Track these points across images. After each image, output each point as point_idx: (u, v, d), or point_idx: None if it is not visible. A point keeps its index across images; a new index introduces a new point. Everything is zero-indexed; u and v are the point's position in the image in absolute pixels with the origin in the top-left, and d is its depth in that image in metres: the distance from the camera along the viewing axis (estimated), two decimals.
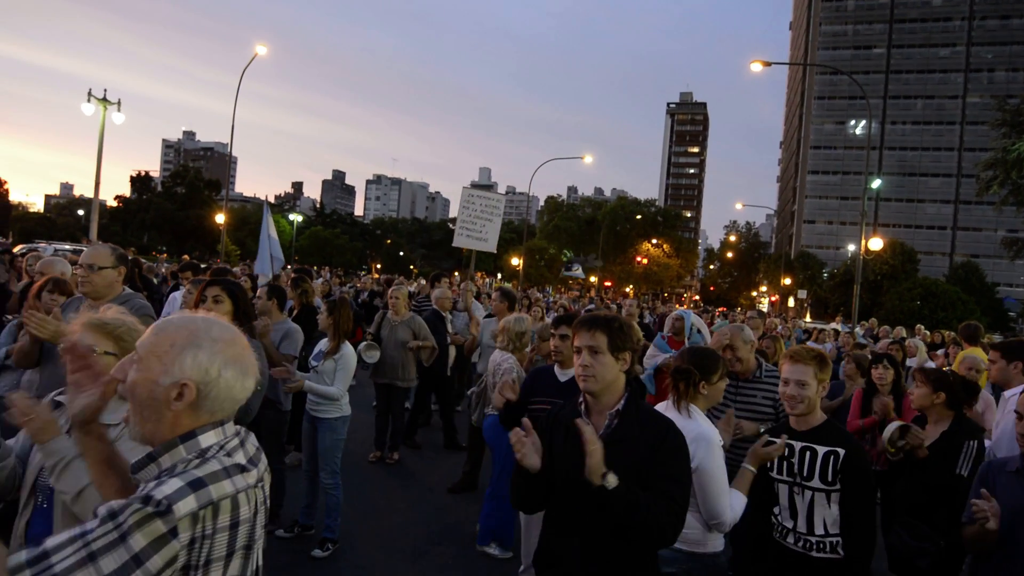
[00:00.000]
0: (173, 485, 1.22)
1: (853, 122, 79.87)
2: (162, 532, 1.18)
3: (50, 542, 1.15)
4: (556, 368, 3.71)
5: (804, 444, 2.75)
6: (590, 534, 2.09)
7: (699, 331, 6.00)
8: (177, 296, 7.25)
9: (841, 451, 2.65)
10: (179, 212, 61.11)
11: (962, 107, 76.10)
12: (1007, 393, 3.81)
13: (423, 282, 8.86)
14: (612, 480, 1.95)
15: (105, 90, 20.57)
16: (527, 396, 3.64)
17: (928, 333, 15.73)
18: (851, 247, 52.90)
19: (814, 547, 2.69)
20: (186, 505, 1.21)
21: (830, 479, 2.65)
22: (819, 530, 2.69)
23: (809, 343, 11.75)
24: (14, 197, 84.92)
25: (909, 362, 7.78)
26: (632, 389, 2.25)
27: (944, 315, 40.88)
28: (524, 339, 4.74)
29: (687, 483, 2.16)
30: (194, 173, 68.07)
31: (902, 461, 3.48)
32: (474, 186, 11.02)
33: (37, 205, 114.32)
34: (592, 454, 1.95)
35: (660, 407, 2.70)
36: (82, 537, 1.16)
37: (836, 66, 70.53)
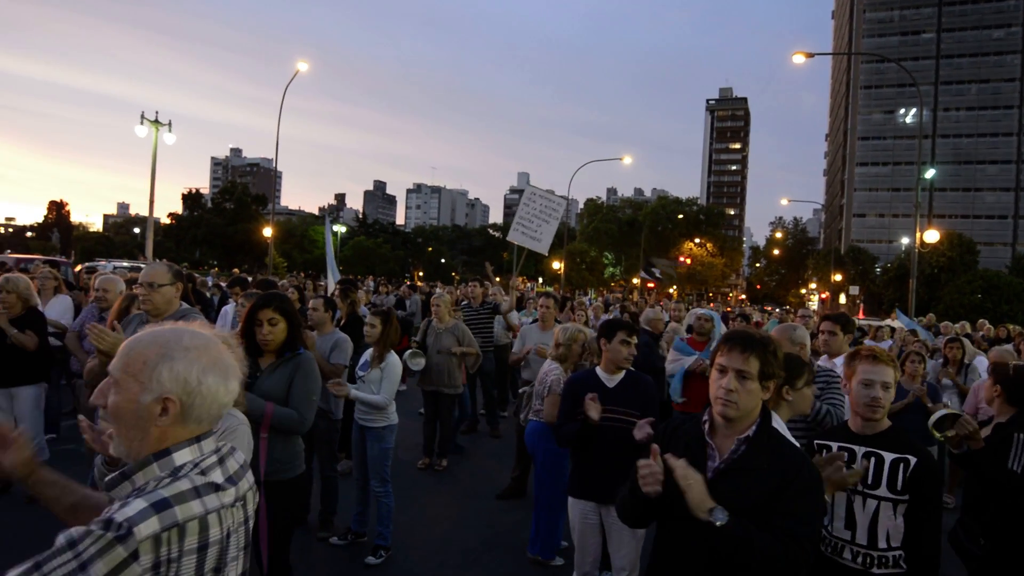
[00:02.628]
0: (136, 507, 1.19)
1: (903, 111, 77.10)
2: (123, 557, 1.15)
3: (10, 573, 1.12)
4: (600, 372, 3.66)
5: (868, 449, 2.55)
6: (705, 564, 1.94)
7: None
8: (228, 310, 7.46)
9: (912, 459, 2.46)
10: (228, 227, 62.97)
11: (1020, 90, 72.68)
12: None
13: (475, 286, 8.87)
14: (721, 516, 1.80)
15: (157, 112, 21.41)
16: (574, 406, 3.59)
17: (992, 328, 15.01)
18: (905, 240, 51.04)
19: (875, 562, 2.46)
20: (148, 527, 1.18)
21: (899, 488, 2.44)
22: (882, 543, 2.47)
23: (866, 341, 11.33)
24: (75, 218, 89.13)
25: (979, 358, 7.40)
26: (765, 414, 2.05)
27: (1008, 308, 38.99)
28: (572, 349, 4.68)
29: (817, 524, 1.96)
30: (241, 189, 70.05)
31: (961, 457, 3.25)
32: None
33: (96, 225, 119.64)
34: (690, 488, 1.84)
35: None
36: (39, 568, 1.12)
37: (883, 54, 68.35)
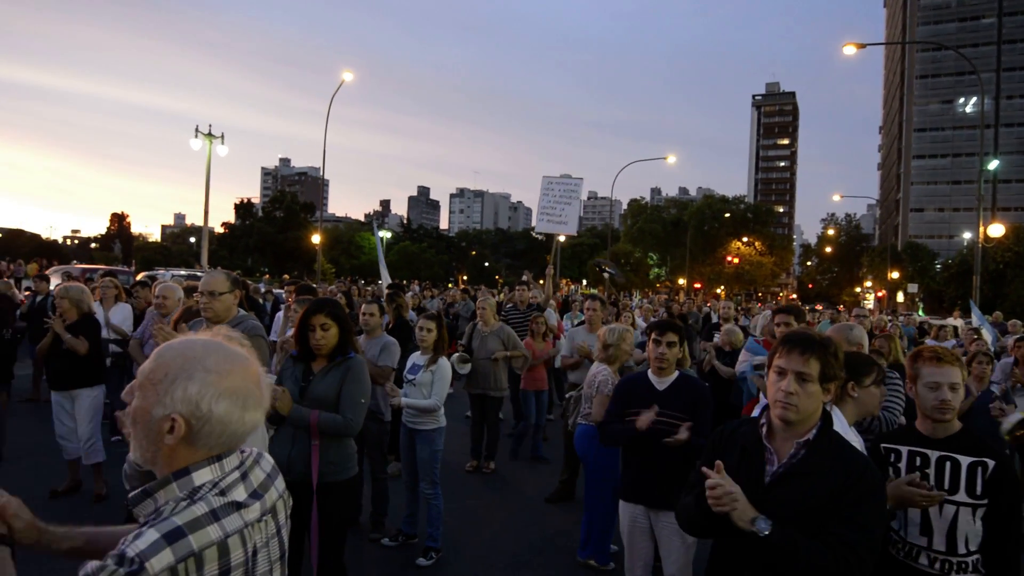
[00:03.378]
0: (148, 539, 1.14)
1: (963, 100, 73.90)
2: None
3: None
4: (651, 375, 3.62)
5: (942, 454, 2.45)
6: (759, 572, 1.91)
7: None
8: (281, 316, 7.65)
9: (991, 462, 2.36)
10: (278, 235, 64.73)
11: None
12: None
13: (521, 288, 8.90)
14: (763, 526, 1.78)
15: (210, 125, 22.23)
16: (622, 407, 3.57)
17: None
18: (967, 235, 48.87)
19: (955, 568, 2.39)
20: (160, 561, 1.13)
21: (978, 492, 2.35)
22: (961, 549, 2.39)
23: (928, 341, 10.88)
24: (135, 229, 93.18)
25: None
26: (826, 418, 2.00)
27: None
28: (621, 349, 4.65)
29: (876, 531, 1.89)
30: (290, 197, 71.98)
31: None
32: None
33: (155, 235, 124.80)
34: (732, 504, 1.82)
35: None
36: None
37: (940, 41, 65.73)
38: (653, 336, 3.61)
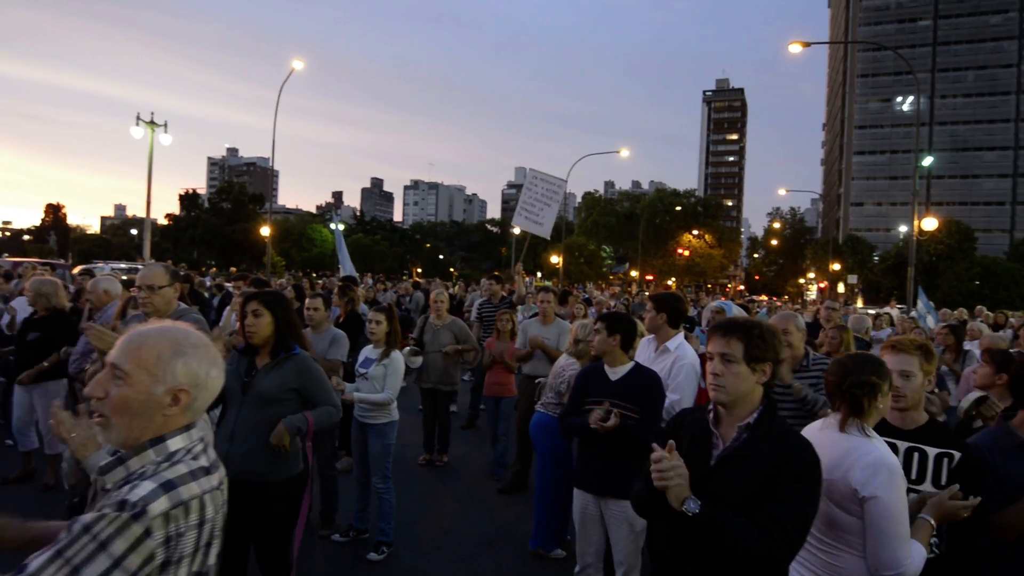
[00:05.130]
0: (146, 487, 1.30)
1: (900, 99, 77.01)
2: (138, 534, 1.25)
3: (32, 563, 1.20)
4: (606, 366, 3.67)
5: (910, 445, 2.51)
6: (697, 555, 1.98)
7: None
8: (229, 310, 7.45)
9: (956, 454, 2.44)
10: (226, 227, 62.87)
11: (1017, 76, 72.61)
12: None
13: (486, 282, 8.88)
14: (692, 506, 1.85)
15: (152, 113, 21.37)
16: (580, 397, 3.63)
17: (990, 314, 15.03)
18: (903, 228, 51.06)
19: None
20: (159, 506, 1.29)
21: (943, 483, 2.42)
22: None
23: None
24: (72, 220, 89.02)
25: (967, 345, 7.44)
26: (769, 402, 2.07)
27: (1006, 295, 39.13)
28: (590, 345, 4.68)
29: (806, 509, 1.93)
30: (238, 188, 69.89)
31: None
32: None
33: (93, 227, 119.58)
34: (671, 479, 1.88)
35: (817, 429, 2.34)
36: (61, 555, 1.21)
37: (879, 42, 68.30)
38: (597, 327, 3.71)
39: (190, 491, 1.37)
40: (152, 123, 21.23)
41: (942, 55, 75.69)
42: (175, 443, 1.44)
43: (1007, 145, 73.13)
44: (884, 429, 2.52)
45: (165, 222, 66.89)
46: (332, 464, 5.18)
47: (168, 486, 1.33)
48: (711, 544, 1.86)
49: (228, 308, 7.58)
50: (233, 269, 38.84)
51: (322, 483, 5.04)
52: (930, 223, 27.39)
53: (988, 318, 13.94)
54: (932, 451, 2.46)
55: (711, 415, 2.10)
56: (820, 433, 2.28)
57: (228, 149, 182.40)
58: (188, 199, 67.07)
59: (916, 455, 2.48)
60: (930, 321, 11.07)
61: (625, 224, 72.59)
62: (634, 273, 67.21)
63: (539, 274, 61.61)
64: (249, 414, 3.05)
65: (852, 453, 2.13)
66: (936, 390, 5.05)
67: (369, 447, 4.71)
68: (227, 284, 14.99)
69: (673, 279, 67.67)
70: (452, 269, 77.06)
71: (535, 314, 7.37)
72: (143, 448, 1.41)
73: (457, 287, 20.14)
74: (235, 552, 3.07)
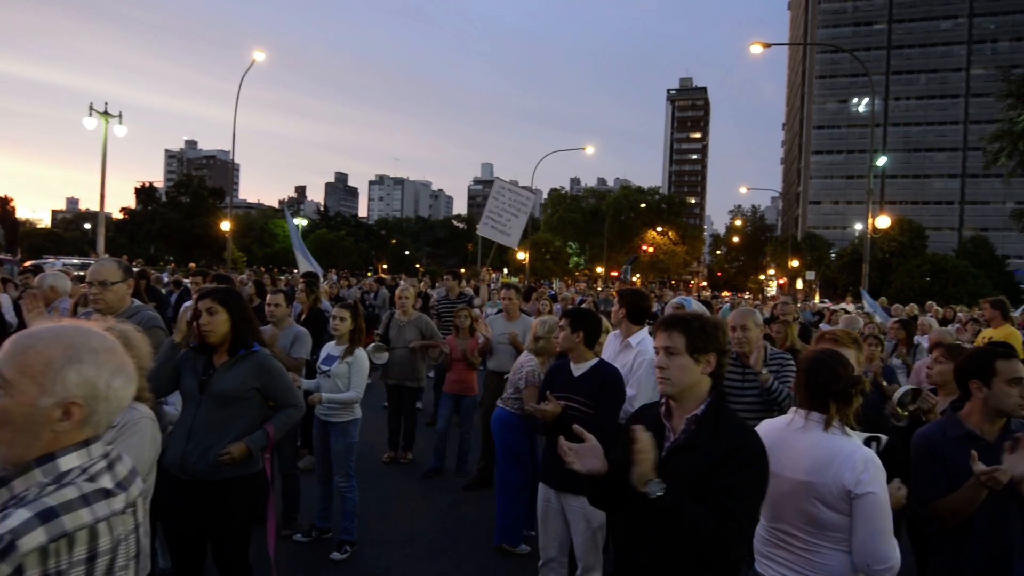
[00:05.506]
0: (19, 517, 1.12)
1: (856, 100, 79.19)
2: (6, 574, 1.09)
3: None
4: (571, 362, 3.69)
5: None
6: (656, 541, 2.01)
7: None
8: (186, 307, 7.28)
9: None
10: (184, 221, 61.33)
11: (966, 79, 75.33)
12: None
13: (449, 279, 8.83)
14: (655, 488, 1.88)
15: (106, 103, 20.69)
16: (548, 390, 3.64)
17: (940, 310, 15.59)
18: (858, 226, 52.54)
19: None
20: (33, 539, 1.11)
21: None
22: None
23: (822, 325, 11.67)
24: (21, 214, 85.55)
25: (918, 339, 7.72)
26: (717, 394, 2.10)
27: (955, 291, 40.59)
28: (549, 342, 4.67)
29: (753, 499, 1.98)
30: (197, 182, 68.27)
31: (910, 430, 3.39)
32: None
33: (44, 221, 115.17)
34: (640, 462, 1.90)
35: (792, 429, 2.33)
36: None
37: (837, 44, 70.04)
38: (561, 323, 3.72)
39: (76, 520, 1.17)
40: (106, 114, 20.54)
41: (896, 58, 78.04)
42: (68, 462, 1.24)
43: (956, 147, 75.83)
44: None
45: (120, 216, 64.95)
46: (294, 463, 5.11)
47: (47, 515, 1.13)
48: (669, 529, 1.90)
49: (186, 305, 7.41)
50: (192, 265, 37.93)
51: (284, 482, 4.96)
52: (883, 221, 28.25)
53: (938, 313, 14.46)
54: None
55: (663, 408, 2.16)
56: (799, 433, 2.27)
57: (187, 142, 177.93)
58: (145, 192, 65.23)
59: None
60: (877, 318, 11.48)
61: (591, 221, 73.11)
62: (600, 269, 67.75)
63: (505, 270, 61.66)
64: (207, 413, 2.98)
65: (840, 452, 2.15)
66: (885, 383, 5.23)
67: (331, 445, 4.65)
68: (185, 280, 14.63)
69: (638, 275, 68.41)
70: (418, 265, 76.56)
71: (499, 310, 7.39)
72: (28, 468, 1.22)
73: (423, 283, 20.02)
74: (192, 551, 3.00)
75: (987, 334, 6.98)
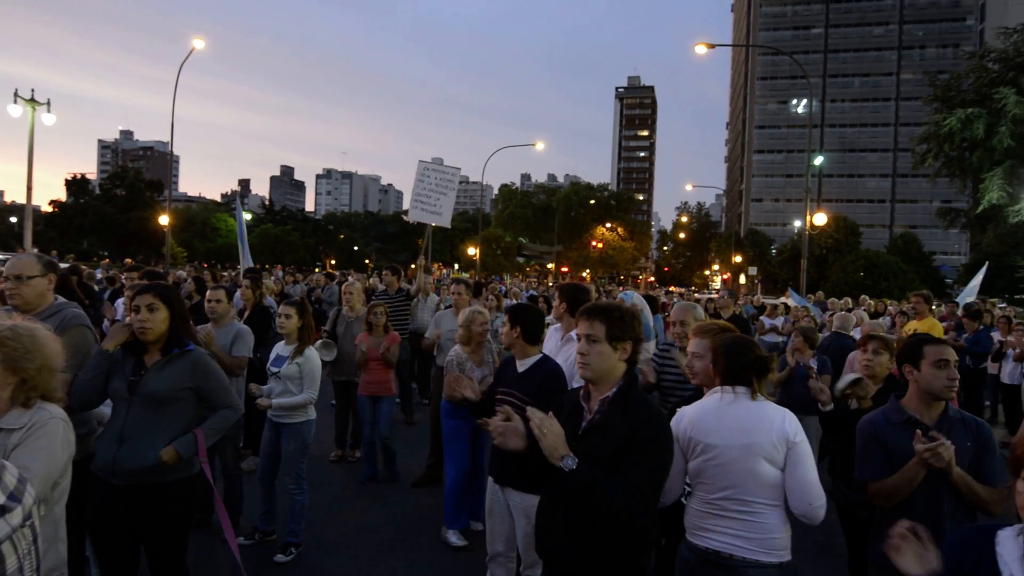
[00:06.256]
0: None
1: (795, 101, 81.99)
2: None
3: None
4: (515, 358, 3.69)
5: None
6: (570, 516, 2.18)
7: (640, 311, 5.84)
8: (119, 304, 6.98)
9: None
10: (120, 215, 58.71)
11: (896, 84, 78.96)
12: None
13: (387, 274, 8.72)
14: (570, 463, 2.03)
15: (33, 90, 19.59)
16: (495, 386, 3.65)
17: (872, 303, 16.34)
18: (797, 223, 54.46)
19: None
20: None
21: None
22: None
23: (762, 318, 12.06)
24: None
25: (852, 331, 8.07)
26: (629, 378, 2.28)
27: (886, 285, 42.59)
28: (471, 330, 4.74)
29: (656, 473, 2.17)
30: (134, 174, 65.36)
31: (839, 416, 3.53)
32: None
33: None
34: (544, 437, 2.04)
35: (726, 403, 2.51)
36: None
37: (777, 47, 72.22)
38: (505, 319, 3.74)
39: None
40: (33, 101, 19.44)
41: (832, 62, 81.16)
42: None
43: (887, 148, 79.47)
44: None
45: (50, 209, 61.68)
46: (237, 464, 4.96)
47: None
48: (582, 503, 2.06)
49: (120, 300, 7.10)
50: (128, 260, 36.39)
51: (226, 484, 4.81)
52: (820, 218, 29.41)
53: (870, 307, 15.14)
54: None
55: (583, 392, 2.35)
56: (731, 407, 2.48)
57: (122, 132, 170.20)
58: (76, 184, 62.14)
59: None
60: (812, 310, 12.05)
61: (541, 217, 73.47)
62: (550, 265, 68.20)
63: (456, 266, 61.40)
64: (139, 415, 2.84)
65: (774, 412, 2.44)
66: (816, 375, 5.44)
67: (283, 447, 4.54)
68: (123, 276, 14.00)
69: (587, 271, 69.17)
70: (367, 261, 75.40)
71: (449, 306, 7.36)
72: None
73: (372, 279, 19.74)
74: (125, 559, 2.87)
75: (911, 326, 7.34)
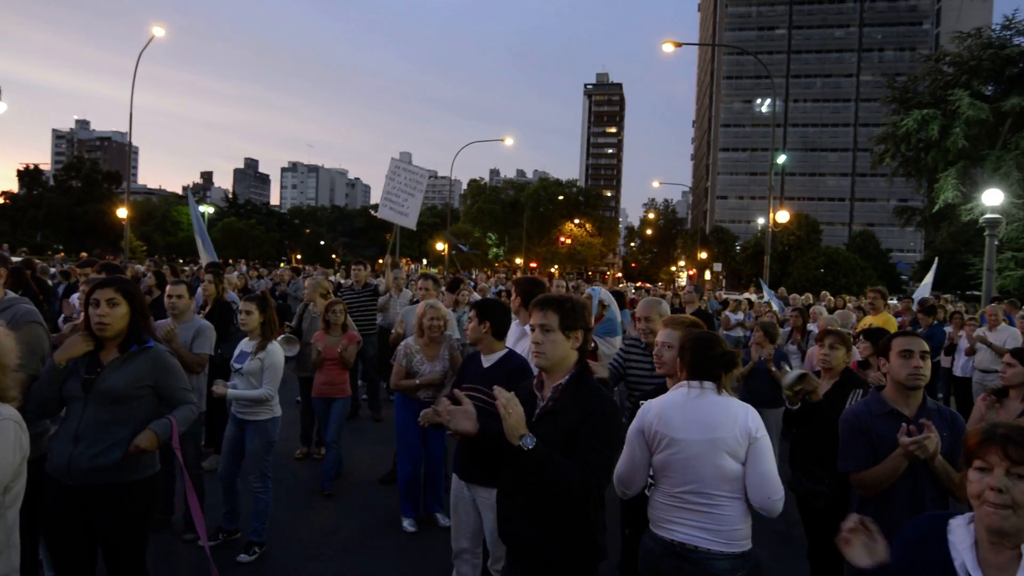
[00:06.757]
0: None
1: (759, 100, 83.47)
2: None
3: None
4: (481, 353, 3.69)
5: None
6: (529, 495, 2.25)
7: (607, 306, 5.75)
8: (75, 299, 6.75)
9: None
10: (75, 207, 56.93)
11: (856, 85, 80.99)
12: None
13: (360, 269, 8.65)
14: (528, 442, 2.09)
15: None
16: (459, 382, 3.62)
17: (832, 299, 16.77)
18: (760, 220, 55.52)
19: None
20: None
21: None
22: None
23: (726, 313, 12.27)
24: None
25: (810, 326, 8.31)
26: (581, 366, 2.38)
27: (846, 281, 43.68)
28: (420, 323, 4.81)
29: (608, 454, 2.29)
30: (90, 165, 63.43)
31: (803, 410, 3.62)
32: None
33: None
34: (508, 417, 2.11)
35: (690, 397, 2.57)
36: None
37: (742, 46, 73.35)
38: (471, 315, 3.72)
39: None
40: None
41: (795, 62, 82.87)
42: None
43: (847, 147, 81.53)
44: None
45: (1, 201, 59.46)
46: (198, 463, 4.85)
47: None
48: (538, 480, 2.13)
49: (75, 295, 6.88)
50: (84, 254, 35.24)
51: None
52: (783, 216, 30.04)
53: (830, 302, 15.54)
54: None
55: (535, 381, 2.45)
56: (698, 401, 2.54)
57: (78, 121, 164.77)
58: (29, 175, 60.06)
59: None
60: (774, 307, 12.30)
61: (510, 212, 73.51)
62: (519, 260, 68.31)
63: (424, 261, 61.06)
64: (95, 414, 2.74)
65: (738, 408, 2.51)
66: (774, 368, 5.56)
67: (247, 444, 4.46)
68: (78, 271, 13.58)
69: (556, 267, 69.49)
70: (334, 256, 74.47)
71: (417, 301, 7.32)
72: None
73: (339, 274, 19.51)
74: (80, 561, 2.78)
75: (867, 321, 7.55)
